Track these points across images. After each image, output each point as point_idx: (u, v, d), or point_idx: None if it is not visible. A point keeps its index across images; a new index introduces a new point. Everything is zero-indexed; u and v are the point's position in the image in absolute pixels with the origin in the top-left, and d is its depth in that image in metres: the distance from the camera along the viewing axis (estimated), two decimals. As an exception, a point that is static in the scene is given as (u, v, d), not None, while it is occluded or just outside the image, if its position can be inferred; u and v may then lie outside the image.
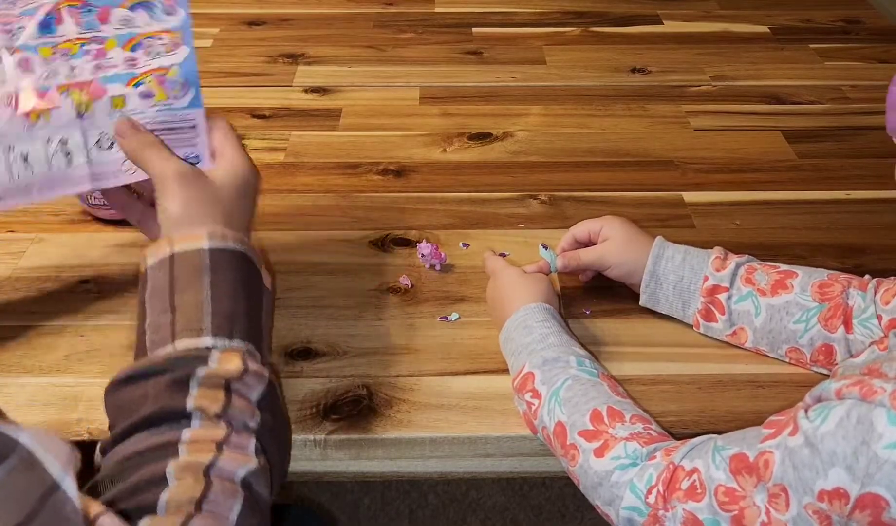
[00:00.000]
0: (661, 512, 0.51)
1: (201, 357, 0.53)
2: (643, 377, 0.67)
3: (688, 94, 1.06)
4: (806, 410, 0.46)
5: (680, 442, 0.54)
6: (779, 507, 0.46)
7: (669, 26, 1.24)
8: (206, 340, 0.54)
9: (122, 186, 0.66)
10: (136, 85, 0.62)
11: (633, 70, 1.12)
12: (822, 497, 0.44)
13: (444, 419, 0.64)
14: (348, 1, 1.33)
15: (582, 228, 0.73)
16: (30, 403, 0.64)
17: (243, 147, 0.64)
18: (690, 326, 0.70)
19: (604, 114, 1.03)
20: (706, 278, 0.67)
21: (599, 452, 0.55)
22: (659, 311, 0.70)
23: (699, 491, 0.50)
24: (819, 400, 0.46)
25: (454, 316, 0.72)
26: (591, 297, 0.74)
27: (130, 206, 0.67)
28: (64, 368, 0.67)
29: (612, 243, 0.70)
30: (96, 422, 0.63)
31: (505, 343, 0.65)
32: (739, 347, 0.68)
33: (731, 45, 1.18)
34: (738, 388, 0.66)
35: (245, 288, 0.57)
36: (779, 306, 0.65)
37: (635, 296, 0.72)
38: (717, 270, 0.67)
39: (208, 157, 0.64)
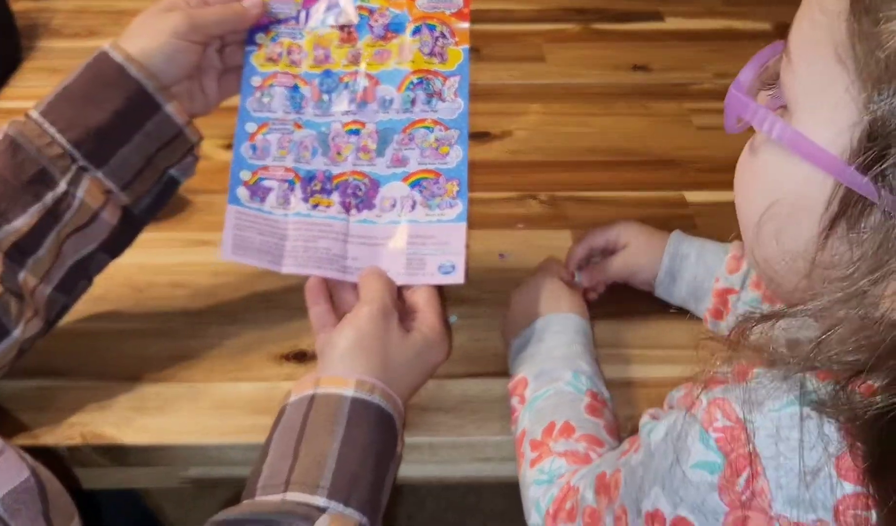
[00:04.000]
0: None
1: (310, 517, 0.49)
2: (647, 380, 0.66)
3: (690, 92, 1.05)
4: (653, 419, 0.44)
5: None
6: None
7: (671, 23, 1.22)
8: (320, 500, 0.50)
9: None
10: (413, 184, 0.64)
11: (635, 68, 1.11)
12: (647, 520, 0.41)
13: (443, 423, 0.63)
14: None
15: (598, 238, 0.72)
16: (25, 407, 0.63)
17: (443, 315, 0.63)
18: (691, 329, 0.69)
19: (604, 112, 1.02)
20: (717, 280, 0.66)
21: (532, 463, 0.55)
22: (671, 303, 0.70)
23: (575, 512, 0.48)
24: (670, 406, 0.44)
25: (453, 318, 0.71)
26: (582, 299, 0.73)
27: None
28: (60, 370, 0.66)
29: (633, 248, 0.70)
30: (90, 425, 0.62)
31: (518, 349, 0.64)
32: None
33: (733, 43, 1.17)
34: (742, 391, 0.65)
35: (376, 451, 0.54)
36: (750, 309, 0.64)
37: (637, 297, 0.71)
38: (730, 273, 0.66)
39: (463, 269, 0.63)
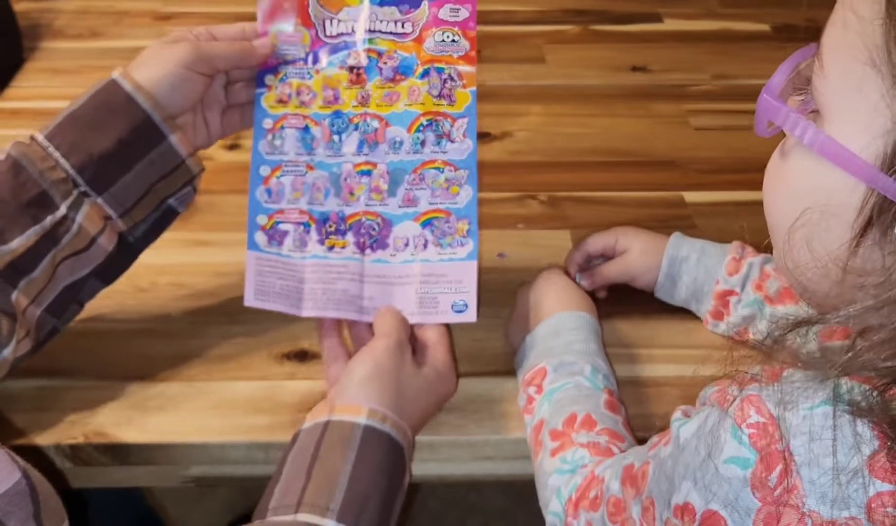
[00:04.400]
0: (569, 519, 0.51)
1: None
2: (647, 379, 0.66)
3: (689, 93, 1.05)
4: (685, 415, 0.44)
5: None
6: (648, 522, 0.44)
7: (670, 25, 1.23)
8: (329, 523, 0.51)
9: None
10: (424, 224, 0.66)
11: (634, 69, 1.11)
12: (676, 512, 0.41)
13: (444, 422, 0.63)
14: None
15: (596, 244, 0.72)
16: (27, 407, 0.64)
17: (452, 353, 0.64)
18: (693, 328, 0.69)
19: (604, 113, 1.02)
20: (717, 282, 0.66)
21: (553, 453, 0.55)
22: (673, 304, 0.70)
23: (599, 501, 0.48)
24: (703, 403, 0.43)
25: (453, 317, 0.71)
26: (591, 298, 0.73)
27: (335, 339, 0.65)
28: (62, 370, 0.66)
29: (632, 254, 0.70)
30: (92, 424, 0.62)
31: (529, 346, 0.64)
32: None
33: (732, 44, 1.17)
34: (741, 390, 0.65)
35: (386, 477, 0.54)
36: (783, 315, 0.64)
37: (635, 297, 0.71)
38: (730, 274, 0.66)
39: (475, 307, 0.64)
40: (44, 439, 0.61)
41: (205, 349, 0.69)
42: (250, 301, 0.65)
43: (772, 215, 0.43)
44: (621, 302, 0.72)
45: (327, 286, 0.65)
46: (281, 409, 0.64)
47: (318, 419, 0.56)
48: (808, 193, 0.39)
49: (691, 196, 0.87)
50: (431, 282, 0.65)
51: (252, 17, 0.68)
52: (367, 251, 0.66)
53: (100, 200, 0.60)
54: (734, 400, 0.39)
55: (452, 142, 0.66)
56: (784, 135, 0.42)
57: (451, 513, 1.38)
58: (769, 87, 0.41)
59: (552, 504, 0.53)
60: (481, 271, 0.76)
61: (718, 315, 0.67)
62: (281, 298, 0.65)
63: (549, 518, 0.53)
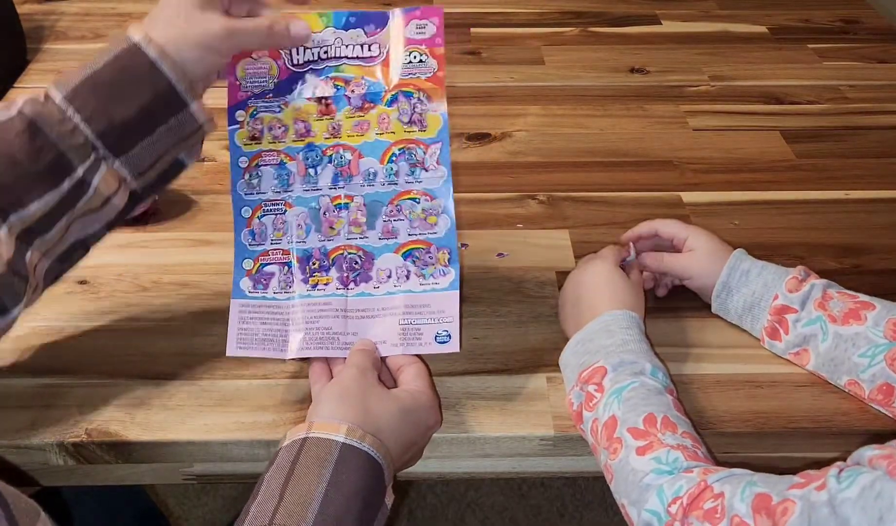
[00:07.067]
0: (677, 524, 0.51)
1: None
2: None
3: (686, 95, 1.06)
4: (840, 471, 0.44)
5: (721, 467, 0.53)
6: None
7: (668, 26, 1.23)
8: None
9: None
10: (405, 255, 0.65)
11: (632, 70, 1.12)
12: None
13: (443, 419, 0.63)
14: (346, 2, 1.33)
15: (669, 228, 0.72)
16: (31, 405, 0.64)
17: (432, 385, 0.64)
18: (690, 327, 0.70)
19: (602, 114, 1.02)
20: (776, 297, 0.66)
21: (642, 451, 0.55)
22: (728, 320, 0.70)
23: (718, 515, 0.49)
24: (857, 463, 0.44)
25: (453, 316, 0.72)
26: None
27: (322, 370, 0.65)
28: (66, 368, 0.67)
29: (697, 254, 0.70)
30: (95, 422, 0.63)
31: (580, 343, 0.64)
32: (800, 368, 0.67)
33: (729, 45, 1.18)
34: (737, 388, 0.66)
35: (363, 498, 0.53)
36: (847, 336, 0.63)
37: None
38: (790, 291, 0.65)
39: (458, 338, 0.64)
40: (47, 437, 0.62)
41: (207, 347, 0.69)
42: (232, 351, 0.64)
43: None
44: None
45: (310, 325, 0.65)
46: (283, 407, 0.64)
47: (297, 436, 0.56)
48: None
49: (689, 196, 0.88)
50: (414, 313, 0.65)
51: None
52: (351, 285, 0.66)
53: (117, 164, 0.59)
54: None
55: (426, 170, 0.65)
56: None
57: (449, 509, 1.38)
58: None
59: (651, 502, 0.53)
60: (482, 270, 0.77)
61: (775, 333, 0.67)
62: (264, 344, 0.65)
63: (643, 515, 0.53)
